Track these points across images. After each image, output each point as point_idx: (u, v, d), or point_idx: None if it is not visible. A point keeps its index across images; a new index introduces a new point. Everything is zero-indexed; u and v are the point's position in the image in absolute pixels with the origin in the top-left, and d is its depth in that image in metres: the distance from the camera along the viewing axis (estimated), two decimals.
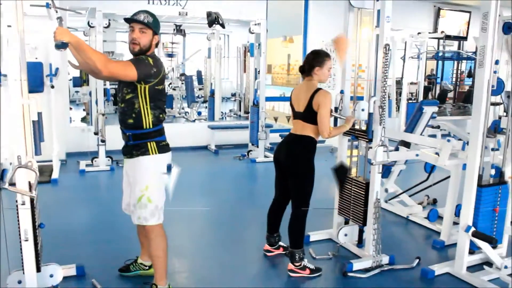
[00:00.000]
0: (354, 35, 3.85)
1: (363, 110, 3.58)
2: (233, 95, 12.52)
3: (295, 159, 3.38)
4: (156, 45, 2.86)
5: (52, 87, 5.84)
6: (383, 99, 3.41)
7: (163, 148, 2.89)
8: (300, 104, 3.39)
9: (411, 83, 9.89)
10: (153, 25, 2.80)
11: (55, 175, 5.93)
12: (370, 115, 3.52)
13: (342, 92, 3.85)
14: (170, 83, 12.46)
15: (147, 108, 2.78)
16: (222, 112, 10.78)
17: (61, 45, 2.44)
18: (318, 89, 3.34)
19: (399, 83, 9.06)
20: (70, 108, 9.87)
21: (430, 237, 4.23)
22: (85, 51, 2.51)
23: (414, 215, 4.65)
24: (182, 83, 11.67)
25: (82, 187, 5.90)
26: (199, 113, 11.02)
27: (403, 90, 8.20)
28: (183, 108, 11.72)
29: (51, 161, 6.22)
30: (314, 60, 3.38)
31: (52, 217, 4.47)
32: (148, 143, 2.82)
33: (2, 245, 2.91)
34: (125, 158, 2.97)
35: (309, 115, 3.33)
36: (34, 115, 2.67)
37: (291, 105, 3.51)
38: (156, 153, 2.84)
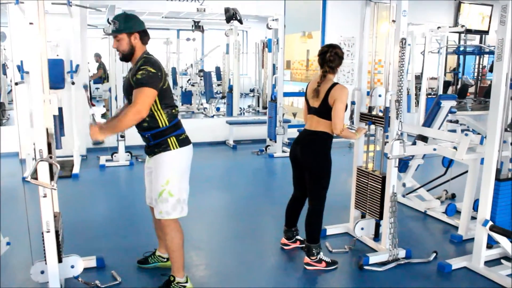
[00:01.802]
0: (371, 30, 3.84)
1: (380, 96, 3.59)
2: (252, 90, 12.55)
3: (312, 156, 3.39)
4: (144, 41, 2.86)
5: (73, 83, 5.95)
6: (400, 93, 3.40)
7: (183, 141, 2.92)
8: (315, 99, 3.39)
9: (432, 78, 9.80)
10: (123, 28, 2.80)
11: (76, 170, 6.06)
12: (386, 109, 3.52)
13: (353, 103, 3.86)
14: (189, 79, 12.57)
15: (158, 109, 2.81)
16: (240, 108, 10.83)
17: (98, 142, 2.67)
18: (335, 84, 3.34)
19: (418, 78, 9.00)
20: (93, 105, 10.06)
21: (447, 231, 4.21)
22: (121, 127, 2.77)
23: (432, 209, 4.63)
24: (201, 79, 11.74)
25: (102, 181, 6.01)
26: (218, 109, 11.09)
27: (422, 85, 8.12)
28: (201, 104, 11.80)
29: (72, 156, 6.35)
30: (342, 57, 3.40)
31: (73, 210, 4.59)
32: (168, 139, 2.86)
33: (25, 236, 2.99)
34: (148, 157, 3.03)
35: (324, 110, 3.33)
36: (55, 110, 2.73)
37: (306, 100, 3.52)
38: (177, 147, 2.87)
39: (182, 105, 11.92)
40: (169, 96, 2.88)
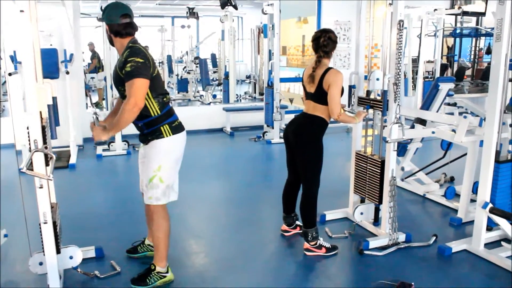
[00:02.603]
0: (367, 14, 3.79)
1: (377, 79, 3.56)
2: (248, 77, 12.48)
3: (303, 138, 3.36)
4: (121, 34, 2.81)
5: (67, 73, 5.89)
6: (398, 76, 3.37)
7: (177, 128, 2.91)
8: (311, 84, 3.36)
9: (428, 61, 9.75)
10: (103, 17, 2.85)
11: (72, 160, 6.02)
12: (384, 92, 3.48)
13: (354, 87, 3.81)
14: (185, 67, 12.49)
15: (149, 98, 2.79)
16: (237, 95, 10.78)
17: (102, 143, 2.78)
18: (329, 68, 3.30)
19: (415, 61, 8.94)
20: (88, 94, 9.98)
21: (447, 214, 4.21)
22: (122, 124, 2.72)
23: (431, 193, 4.62)
24: (197, 67, 11.67)
25: (99, 171, 5.98)
26: (214, 96, 11.04)
27: (419, 68, 8.07)
28: (198, 91, 11.74)
29: (68, 146, 6.31)
30: (336, 41, 3.36)
31: (70, 201, 4.57)
32: (161, 127, 2.85)
33: (21, 228, 2.96)
34: (142, 145, 3.02)
35: (320, 95, 3.30)
36: (49, 100, 2.69)
37: (303, 85, 3.49)
38: (170, 134, 2.86)
39: (178, 93, 11.86)
40: (159, 84, 2.86)
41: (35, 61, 2.77)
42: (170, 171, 2.91)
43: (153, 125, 2.85)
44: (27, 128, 2.57)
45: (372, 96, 3.69)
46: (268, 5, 7.17)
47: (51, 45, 6.21)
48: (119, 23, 2.79)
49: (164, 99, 2.88)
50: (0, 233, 3.38)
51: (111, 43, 2.91)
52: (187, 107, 10.28)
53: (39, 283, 2.99)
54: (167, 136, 2.86)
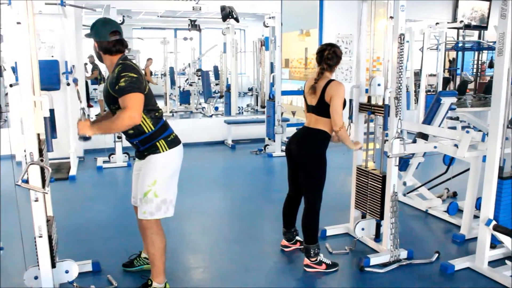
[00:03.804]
0: (368, 27, 3.77)
1: (379, 85, 3.53)
2: (250, 89, 12.47)
3: (306, 152, 3.32)
4: (111, 51, 2.77)
5: (68, 84, 5.88)
6: (399, 90, 3.34)
7: (173, 142, 2.87)
8: (313, 96, 3.33)
9: (430, 75, 9.74)
10: (90, 34, 2.82)
11: (72, 172, 5.98)
12: (385, 106, 3.44)
13: (350, 118, 3.80)
14: (187, 79, 12.50)
15: (142, 116, 2.72)
16: (239, 107, 10.78)
17: (85, 138, 2.67)
18: (331, 80, 3.28)
19: (417, 74, 8.93)
20: (90, 106, 9.98)
21: (450, 231, 4.14)
22: (110, 130, 2.72)
23: (433, 208, 4.56)
24: (199, 79, 11.67)
25: (99, 183, 5.94)
26: (216, 108, 11.02)
27: (421, 81, 8.05)
28: (200, 104, 11.73)
29: (69, 158, 6.27)
30: (340, 56, 3.36)
31: (69, 213, 4.54)
32: (157, 143, 2.81)
33: (18, 241, 2.91)
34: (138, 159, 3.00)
35: (322, 108, 3.27)
36: (46, 112, 2.65)
37: (304, 97, 3.46)
38: (166, 149, 2.83)
39: (180, 105, 11.86)
40: (150, 101, 2.80)
41: (32, 73, 2.76)
42: (165, 185, 2.86)
43: (148, 142, 2.82)
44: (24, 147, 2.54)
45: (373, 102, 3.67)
46: (270, 17, 7.18)
47: (52, 56, 6.21)
48: (108, 40, 2.75)
49: (157, 113, 2.84)
50: None
51: (100, 59, 2.85)
52: (188, 119, 10.26)
53: None
54: (163, 151, 2.82)
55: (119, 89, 2.62)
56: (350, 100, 3.81)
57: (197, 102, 11.82)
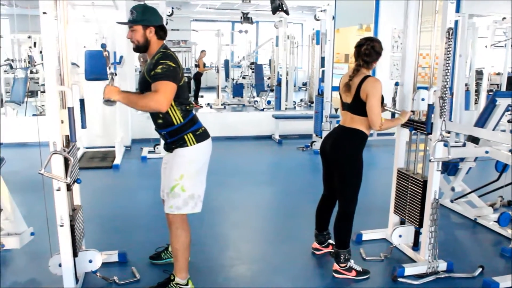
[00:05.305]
0: (416, 21, 3.51)
1: (423, 99, 3.26)
2: (304, 84, 12.27)
3: (341, 153, 3.14)
4: (160, 36, 2.74)
5: (115, 74, 5.96)
6: (445, 89, 3.08)
7: (201, 136, 2.82)
8: (348, 94, 3.14)
9: (498, 74, 9.18)
10: (140, 19, 2.69)
11: (117, 161, 6.09)
12: (429, 106, 3.19)
13: (397, 84, 3.53)
14: (241, 72, 12.50)
15: (172, 106, 2.71)
16: (294, 102, 10.65)
17: (109, 102, 2.63)
18: (367, 77, 3.06)
19: (480, 73, 8.41)
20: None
21: (498, 243, 3.80)
22: (135, 104, 2.65)
23: (482, 217, 4.22)
24: (253, 72, 11.63)
25: (141, 173, 6.01)
26: (269, 102, 10.94)
27: (483, 80, 7.56)
28: (253, 97, 11.69)
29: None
30: (380, 52, 3.14)
31: (107, 202, 4.60)
32: (185, 136, 2.77)
33: (44, 228, 2.95)
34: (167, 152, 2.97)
35: (357, 105, 3.07)
36: (70, 102, 2.65)
37: (340, 94, 3.27)
38: (194, 143, 2.78)
39: (233, 97, 11.88)
40: (184, 94, 2.77)
41: (62, 63, 2.77)
42: (193, 180, 2.81)
43: (176, 134, 2.78)
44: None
45: (416, 118, 3.41)
46: (322, 10, 6.96)
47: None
48: (161, 24, 2.76)
49: (187, 107, 2.80)
50: (25, 231, 3.40)
51: (142, 48, 2.76)
52: (238, 113, 10.25)
53: (60, 283, 2.95)
54: (191, 145, 2.78)
55: (154, 74, 2.60)
56: (396, 83, 3.55)
57: (250, 95, 11.79)
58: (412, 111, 3.37)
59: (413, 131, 3.48)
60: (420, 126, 3.33)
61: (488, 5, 8.21)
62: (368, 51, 3.09)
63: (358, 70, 3.11)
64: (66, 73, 2.82)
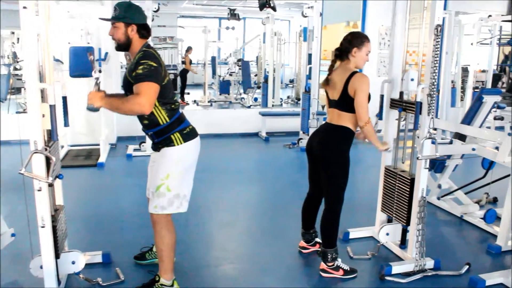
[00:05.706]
0: (404, 18, 3.49)
1: (412, 80, 3.26)
2: (291, 81, 12.23)
3: (327, 150, 3.10)
4: (143, 34, 2.69)
5: (100, 71, 5.87)
6: (433, 86, 3.07)
7: (188, 135, 2.77)
8: (335, 91, 3.10)
9: (483, 71, 9.24)
10: (122, 16, 2.63)
11: (102, 159, 6.00)
12: (417, 104, 3.17)
13: (378, 116, 3.54)
14: (228, 69, 12.43)
15: (157, 106, 2.65)
16: (281, 98, 10.62)
17: (92, 109, 2.56)
18: (354, 72, 3.02)
19: (466, 70, 8.46)
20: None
21: (485, 240, 3.81)
22: (118, 109, 2.56)
23: (469, 214, 4.23)
24: (240, 69, 11.57)
25: (126, 171, 5.93)
26: (256, 99, 10.90)
27: (469, 77, 7.60)
28: (240, 94, 11.63)
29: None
30: (352, 41, 3.07)
31: (90, 201, 4.52)
32: (172, 136, 2.72)
33: (25, 229, 2.88)
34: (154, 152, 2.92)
35: (345, 102, 3.03)
36: (51, 100, 2.58)
37: (326, 92, 3.23)
38: (181, 142, 2.74)
39: (220, 94, 11.81)
40: (168, 93, 2.70)
41: (43, 60, 2.69)
42: (179, 179, 2.76)
43: (163, 134, 2.72)
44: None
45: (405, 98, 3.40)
46: (308, 7, 6.92)
47: (88, 43, 6.22)
48: (144, 23, 2.70)
49: (173, 106, 2.74)
50: (6, 232, 3.32)
51: (124, 46, 2.70)
52: (224, 110, 10.21)
53: (42, 285, 2.88)
54: (178, 144, 2.73)
55: (136, 75, 2.54)
56: (381, 96, 3.55)
57: (237, 92, 11.72)
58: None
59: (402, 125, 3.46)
60: (409, 106, 3.30)
61: (474, 3, 8.27)
62: (342, 43, 3.11)
63: (333, 65, 3.12)
64: (48, 70, 2.75)
